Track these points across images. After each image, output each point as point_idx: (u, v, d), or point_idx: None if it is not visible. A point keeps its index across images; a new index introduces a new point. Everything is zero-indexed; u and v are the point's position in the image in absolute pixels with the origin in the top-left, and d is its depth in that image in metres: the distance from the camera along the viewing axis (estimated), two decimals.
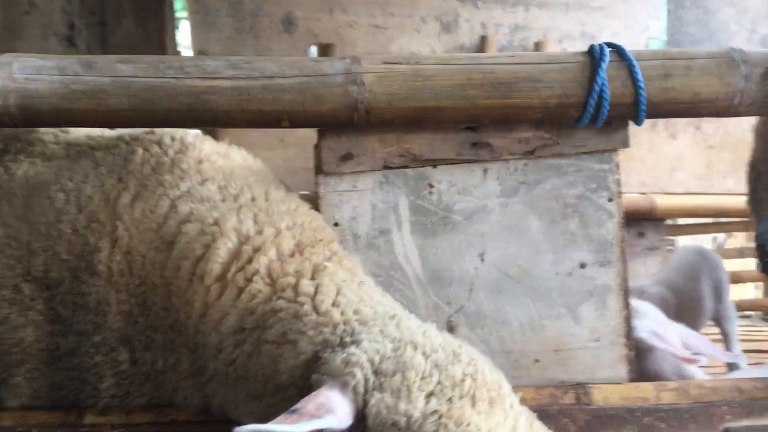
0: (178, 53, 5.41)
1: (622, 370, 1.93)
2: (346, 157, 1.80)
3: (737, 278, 5.91)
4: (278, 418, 1.19)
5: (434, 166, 1.85)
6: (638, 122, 1.73)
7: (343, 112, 1.67)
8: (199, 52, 5.63)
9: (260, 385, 1.46)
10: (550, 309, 1.91)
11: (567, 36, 5.37)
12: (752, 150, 2.88)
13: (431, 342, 1.36)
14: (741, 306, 5.88)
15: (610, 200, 1.88)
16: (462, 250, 1.89)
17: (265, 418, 1.22)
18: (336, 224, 1.87)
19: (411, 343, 1.34)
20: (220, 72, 1.62)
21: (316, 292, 1.46)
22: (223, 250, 1.54)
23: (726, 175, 5.13)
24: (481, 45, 5.28)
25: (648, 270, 4.59)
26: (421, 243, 1.89)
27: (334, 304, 1.45)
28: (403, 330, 1.39)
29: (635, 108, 1.70)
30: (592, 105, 1.68)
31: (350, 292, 1.49)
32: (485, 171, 1.86)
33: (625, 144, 1.84)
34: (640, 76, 1.65)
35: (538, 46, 5.29)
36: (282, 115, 1.66)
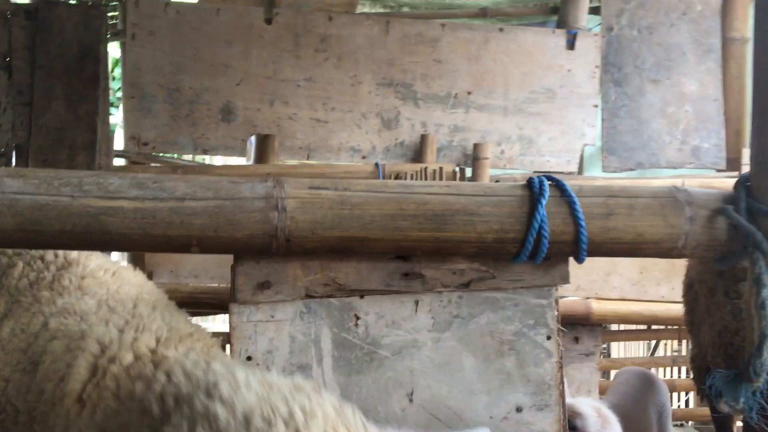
0: (110, 137, 5.22)
1: None
2: (264, 286, 1.62)
3: (671, 386, 5.87)
4: None
5: (361, 297, 1.70)
6: (579, 260, 1.63)
7: (260, 239, 1.51)
8: (132, 137, 5.43)
9: None
10: None
11: (506, 138, 5.42)
12: (688, 267, 2.84)
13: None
14: (675, 415, 5.82)
15: (548, 338, 1.75)
16: (389, 388, 1.72)
17: None
18: (249, 358, 1.67)
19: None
20: (123, 191, 1.45)
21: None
22: (83, 366, 1.41)
23: (660, 282, 5.14)
24: (422, 143, 5.27)
25: (583, 376, 4.51)
26: (344, 381, 1.71)
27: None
28: None
29: (576, 246, 1.60)
30: (531, 242, 1.57)
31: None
32: (417, 303, 1.71)
33: (565, 280, 1.73)
34: (581, 215, 1.56)
35: (476, 147, 5.31)
36: (191, 240, 1.48)
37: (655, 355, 7.86)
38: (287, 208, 1.50)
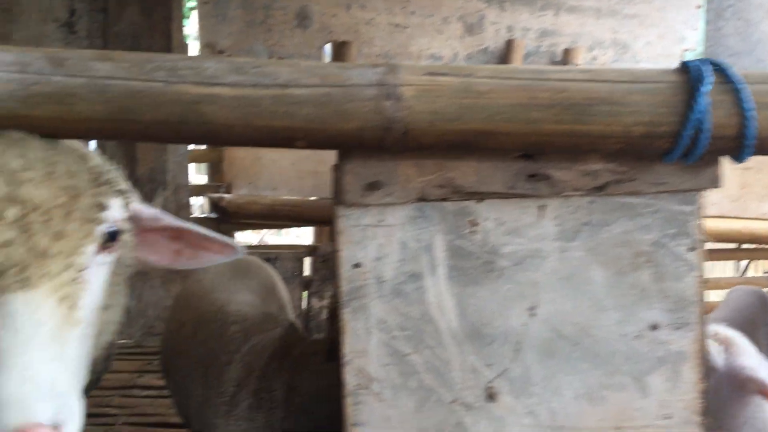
0: (185, 45, 5.09)
1: None
2: (373, 186, 1.46)
3: None
4: None
5: (480, 200, 1.51)
6: (740, 158, 1.39)
7: (372, 132, 1.33)
8: (207, 45, 5.29)
9: None
10: (612, 377, 1.57)
11: (598, 43, 5.03)
12: None
13: None
14: None
15: (691, 249, 1.54)
16: (509, 302, 1.55)
17: None
18: (356, 265, 1.53)
19: None
20: (221, 77, 1.28)
21: None
22: None
23: (762, 198, 4.81)
24: (507, 49, 4.95)
25: None
26: (459, 291, 1.55)
27: None
28: None
29: (739, 142, 1.36)
30: (687, 137, 1.33)
31: None
32: (541, 208, 1.52)
33: (715, 183, 1.50)
34: (750, 104, 1.31)
35: (567, 53, 4.95)
36: (296, 133, 1.32)
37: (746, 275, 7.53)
38: (402, 97, 1.31)
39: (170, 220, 1.52)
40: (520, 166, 1.48)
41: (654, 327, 1.55)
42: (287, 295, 2.97)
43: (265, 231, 8.11)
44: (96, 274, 1.36)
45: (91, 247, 1.33)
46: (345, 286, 1.55)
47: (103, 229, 1.35)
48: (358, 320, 1.55)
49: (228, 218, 5.23)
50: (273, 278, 2.83)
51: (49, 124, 1.27)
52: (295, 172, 5.34)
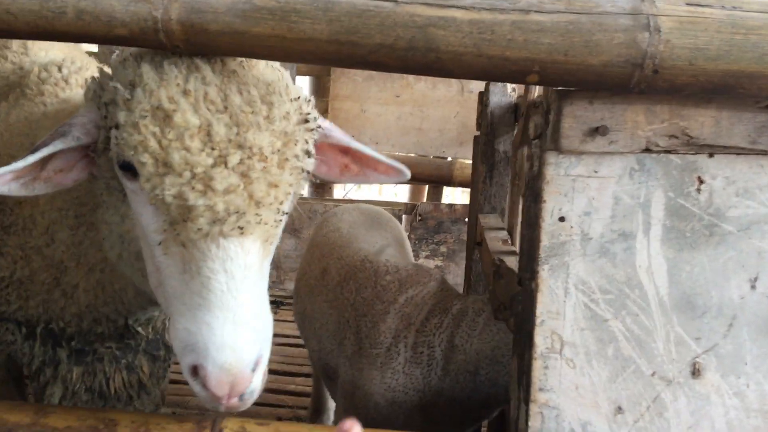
0: None
1: None
2: (598, 131, 1.31)
3: None
4: None
5: (710, 155, 1.35)
6: None
7: (619, 68, 1.18)
8: None
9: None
10: None
11: None
12: None
13: None
14: None
15: None
16: (728, 271, 1.40)
17: None
18: (561, 219, 1.40)
19: None
20: None
21: None
22: None
23: None
24: None
25: None
26: (672, 256, 1.40)
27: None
28: None
29: None
30: None
31: None
32: None
33: None
34: None
35: None
36: (532, 65, 1.18)
37: None
38: (661, 29, 1.15)
39: (341, 135, 1.46)
40: (767, 118, 1.31)
41: None
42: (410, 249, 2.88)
43: (350, 186, 8.04)
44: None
45: (294, 193, 1.34)
46: (545, 241, 1.42)
47: (306, 176, 1.35)
48: (557, 279, 1.43)
49: None
50: (403, 232, 2.73)
51: (268, 43, 1.17)
52: (399, 127, 5.22)
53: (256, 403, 1.22)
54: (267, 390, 3.41)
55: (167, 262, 1.21)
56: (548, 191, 1.39)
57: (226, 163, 1.16)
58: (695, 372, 1.43)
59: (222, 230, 1.17)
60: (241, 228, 1.17)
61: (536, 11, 1.16)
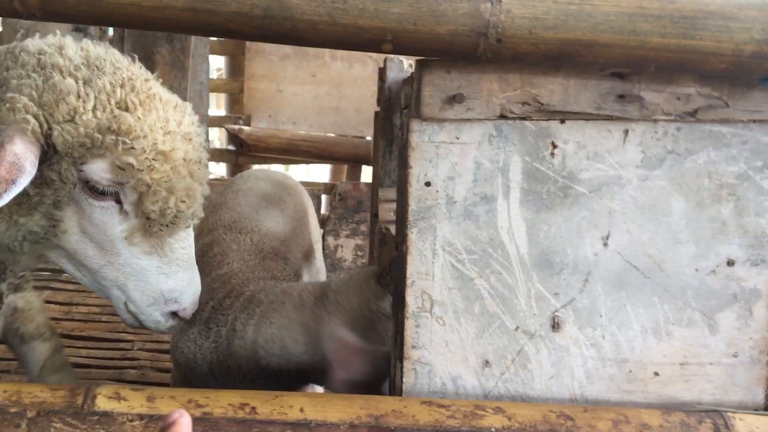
0: None
1: (759, 394, 1.56)
2: (454, 99, 1.38)
3: None
4: None
5: (562, 121, 1.44)
6: None
7: (465, 37, 1.25)
8: None
9: None
10: (681, 313, 1.53)
11: None
12: None
13: (72, 61, 1.42)
14: None
15: None
16: (582, 230, 1.50)
17: None
18: (427, 183, 1.47)
19: (54, 67, 1.40)
20: None
21: None
22: None
23: None
24: None
25: None
26: (531, 217, 1.49)
27: None
28: (37, 56, 1.43)
29: None
30: None
31: None
32: (626, 133, 1.45)
33: None
34: None
35: None
36: (385, 34, 1.24)
37: None
38: (503, 0, 1.22)
39: None
40: (610, 85, 1.40)
41: (730, 263, 1.50)
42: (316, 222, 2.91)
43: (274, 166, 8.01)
44: None
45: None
46: (413, 205, 1.49)
47: None
48: (425, 241, 1.50)
49: (246, 151, 5.15)
50: (307, 202, 2.76)
51: (126, 11, 1.19)
52: (316, 107, 5.23)
53: None
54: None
55: (132, 249, 1.55)
56: (414, 157, 1.46)
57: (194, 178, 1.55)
58: (555, 325, 1.53)
59: (188, 223, 1.59)
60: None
61: None
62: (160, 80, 1.60)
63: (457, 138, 1.44)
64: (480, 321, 1.53)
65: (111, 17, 1.21)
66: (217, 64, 6.12)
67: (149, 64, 4.41)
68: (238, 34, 1.24)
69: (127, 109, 1.42)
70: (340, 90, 5.19)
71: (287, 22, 1.21)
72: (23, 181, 1.32)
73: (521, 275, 1.51)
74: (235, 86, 5.26)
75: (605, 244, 1.51)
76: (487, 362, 1.54)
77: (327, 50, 5.05)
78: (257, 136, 5.07)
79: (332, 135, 5.28)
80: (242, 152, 5.14)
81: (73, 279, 1.71)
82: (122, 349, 3.69)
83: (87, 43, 1.50)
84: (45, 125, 1.37)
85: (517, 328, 1.53)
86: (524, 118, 1.43)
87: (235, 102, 5.38)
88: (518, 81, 1.38)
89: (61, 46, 1.45)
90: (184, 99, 1.63)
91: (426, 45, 1.26)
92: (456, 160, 1.46)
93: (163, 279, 1.59)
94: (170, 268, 1.59)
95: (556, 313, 1.53)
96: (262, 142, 5.05)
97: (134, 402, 1.34)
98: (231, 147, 5.24)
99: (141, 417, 1.32)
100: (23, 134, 1.34)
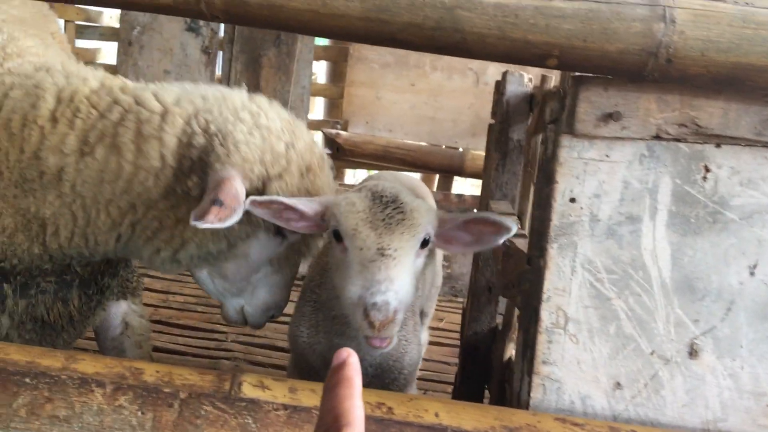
0: None
1: None
2: (610, 117, 1.38)
3: None
4: (211, 209, 1.46)
5: (718, 145, 1.42)
6: None
7: (634, 56, 1.24)
8: None
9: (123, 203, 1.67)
10: None
11: None
12: None
13: (276, 124, 1.68)
14: None
15: None
16: (728, 257, 1.46)
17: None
18: (572, 200, 1.46)
19: (270, 131, 1.65)
20: None
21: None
22: (49, 98, 1.71)
23: None
24: None
25: None
26: (676, 240, 1.47)
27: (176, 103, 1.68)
28: (249, 113, 1.67)
29: None
30: None
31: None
32: None
33: None
34: None
35: None
36: (552, 50, 1.25)
37: None
38: (676, 21, 1.22)
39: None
40: None
41: None
42: None
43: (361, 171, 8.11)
44: None
45: None
46: (556, 221, 1.49)
47: None
48: (565, 257, 1.50)
49: (341, 155, 5.24)
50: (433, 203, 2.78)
51: (303, 17, 1.24)
52: (413, 116, 5.28)
53: None
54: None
55: (267, 268, 1.83)
56: (561, 173, 1.46)
57: None
58: (692, 353, 1.50)
59: None
60: None
61: None
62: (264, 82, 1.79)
63: (607, 156, 1.44)
64: (615, 342, 1.51)
65: (288, 22, 1.27)
66: (315, 70, 6.26)
67: (256, 66, 4.55)
68: (405, 43, 1.27)
69: (311, 171, 1.71)
70: (438, 100, 5.22)
71: (457, 34, 1.24)
72: (240, 212, 1.52)
73: (661, 299, 1.49)
74: (335, 91, 5.36)
75: (752, 274, 1.47)
76: (618, 384, 1.52)
77: (428, 60, 5.10)
78: (353, 141, 5.15)
79: (426, 144, 5.32)
80: (337, 156, 5.23)
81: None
82: (217, 340, 3.80)
83: (276, 106, 1.75)
84: (264, 177, 1.63)
85: (652, 353, 1.51)
86: (679, 140, 1.41)
87: (333, 107, 5.49)
88: (678, 102, 1.37)
89: (259, 106, 1.70)
90: (286, 102, 1.77)
91: (592, 62, 1.26)
92: (604, 178, 1.45)
93: (278, 291, 1.89)
94: (283, 283, 1.89)
95: (695, 340, 1.50)
96: (358, 147, 5.12)
97: (277, 392, 1.39)
98: (327, 150, 5.34)
99: (285, 407, 1.36)
100: (244, 178, 1.58)
